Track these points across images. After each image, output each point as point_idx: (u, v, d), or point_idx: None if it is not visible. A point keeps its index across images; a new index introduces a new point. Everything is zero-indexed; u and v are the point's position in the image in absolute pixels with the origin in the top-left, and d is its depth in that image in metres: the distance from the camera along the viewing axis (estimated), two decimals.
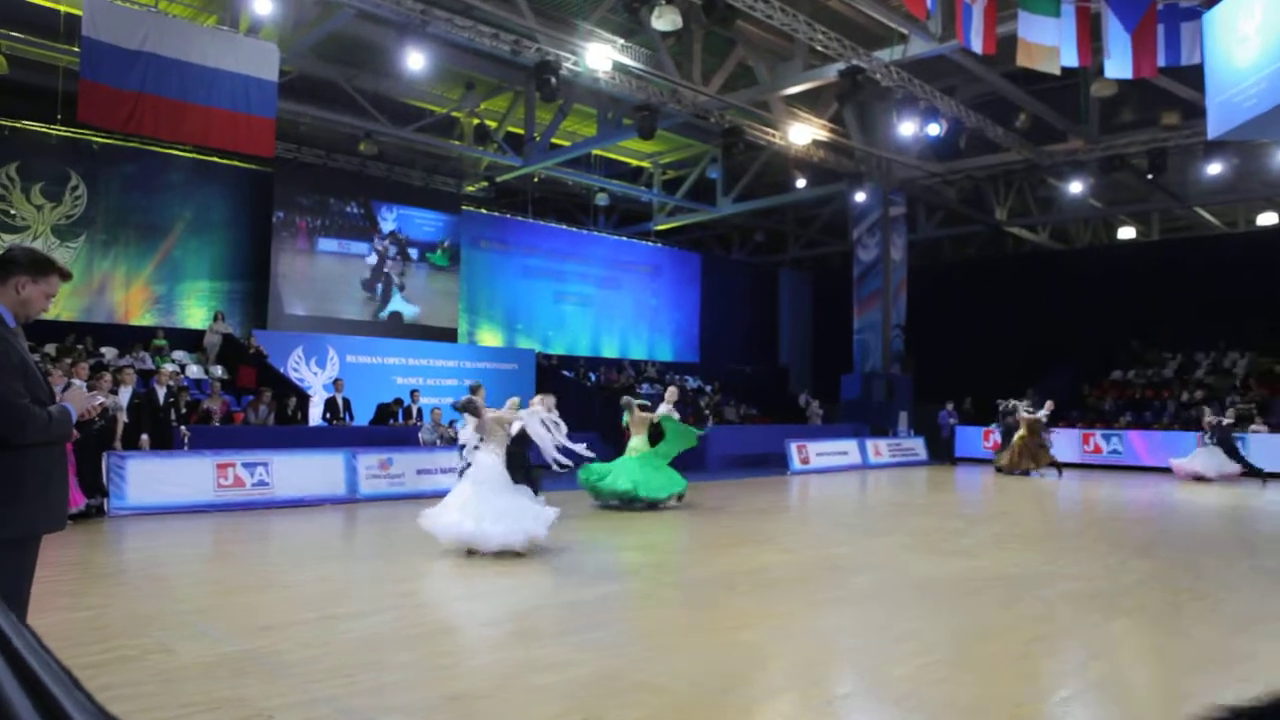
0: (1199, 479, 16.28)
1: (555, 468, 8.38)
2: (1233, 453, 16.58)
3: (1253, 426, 18.09)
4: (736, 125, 17.60)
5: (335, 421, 15.39)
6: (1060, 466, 17.61)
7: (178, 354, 15.90)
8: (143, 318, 17.33)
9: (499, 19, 13.82)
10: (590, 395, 21.61)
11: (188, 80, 12.21)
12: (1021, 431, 17.52)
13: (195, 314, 17.97)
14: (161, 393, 11.58)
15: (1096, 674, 4.49)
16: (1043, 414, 17.54)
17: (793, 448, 18.00)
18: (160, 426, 11.31)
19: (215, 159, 18.08)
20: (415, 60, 15.08)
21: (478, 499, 7.49)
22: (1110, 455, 19.78)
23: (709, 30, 15.35)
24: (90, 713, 1.14)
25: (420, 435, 13.97)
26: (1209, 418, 17.02)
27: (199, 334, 16.75)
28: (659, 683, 4.17)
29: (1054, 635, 5.21)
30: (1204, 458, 16.69)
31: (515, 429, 8.24)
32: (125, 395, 10.86)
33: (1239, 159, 19.39)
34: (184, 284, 18.02)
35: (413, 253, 20.80)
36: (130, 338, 15.66)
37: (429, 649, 4.76)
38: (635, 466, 11.31)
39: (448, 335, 21.07)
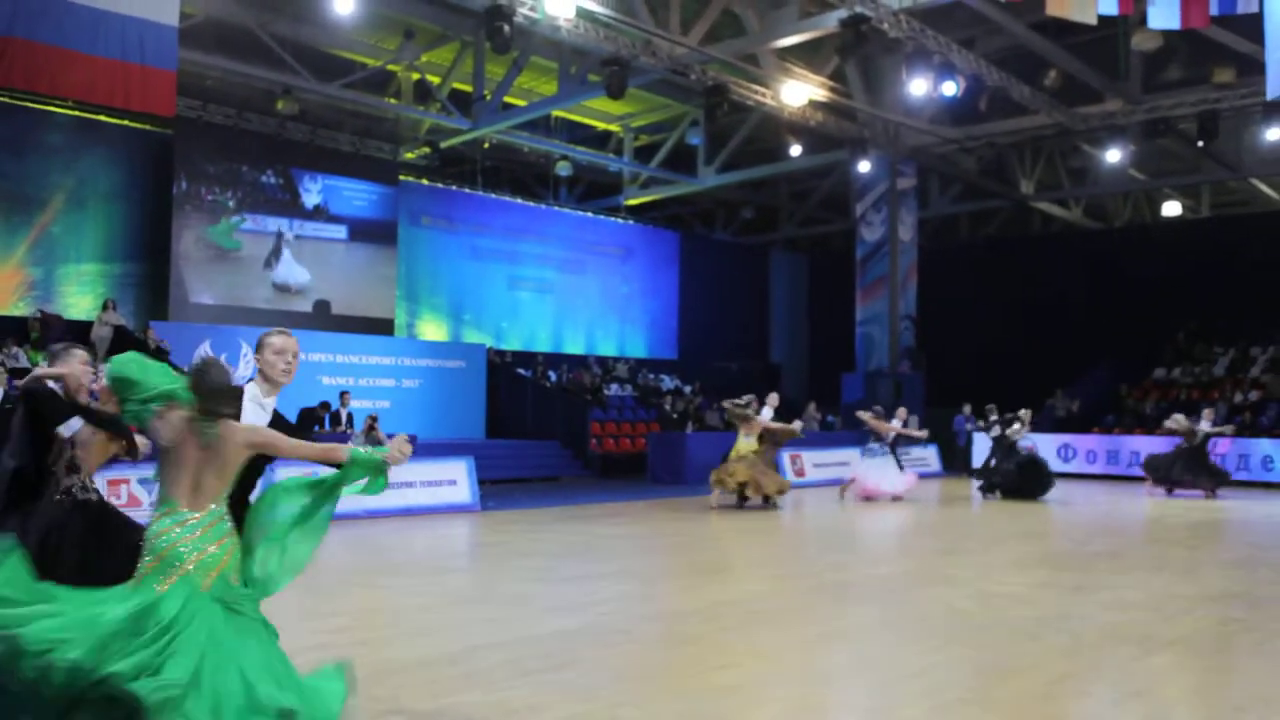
0: (869, 497, 15.27)
1: None
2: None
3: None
4: (721, 83, 17.65)
5: None
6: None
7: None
8: (15, 306, 17.09)
9: None
10: (550, 398, 21.63)
11: (69, 22, 12.02)
12: (746, 442, 13.81)
13: (79, 303, 17.73)
14: None
15: (1134, 716, 4.60)
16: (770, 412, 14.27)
17: (785, 458, 18.12)
18: None
19: (103, 117, 17.85)
20: (344, 2, 15.00)
21: None
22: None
23: None
24: None
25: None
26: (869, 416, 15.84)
27: (85, 326, 16.52)
28: None
29: (1085, 671, 5.31)
30: (873, 468, 15.49)
31: None
32: None
33: None
34: (65, 267, 17.78)
35: (340, 230, 20.66)
36: None
37: (364, 694, 4.76)
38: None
39: (383, 327, 20.97)
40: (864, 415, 15.91)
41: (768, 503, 13.92)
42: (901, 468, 15.71)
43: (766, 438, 13.90)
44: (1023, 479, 15.60)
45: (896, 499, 15.19)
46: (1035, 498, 15.44)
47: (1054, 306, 25.72)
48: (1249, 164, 22.35)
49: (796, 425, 14.40)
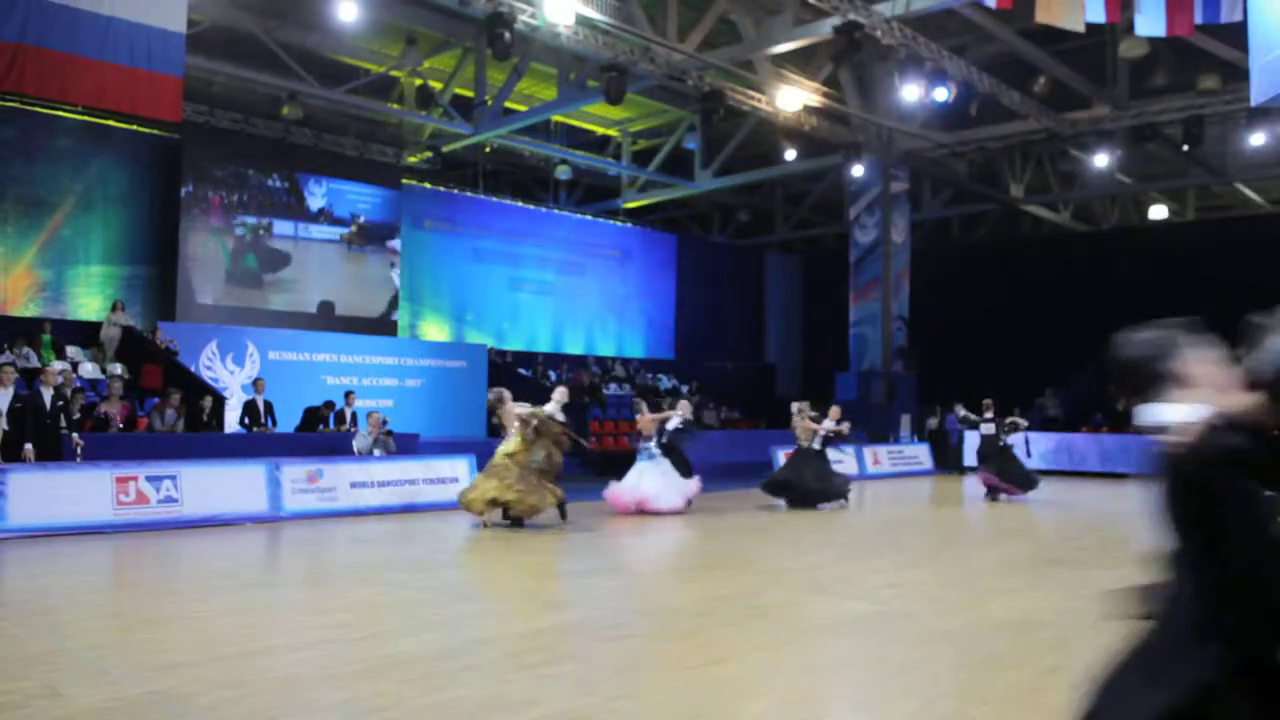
0: (644, 512, 12.19)
1: None
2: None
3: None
4: (717, 88, 17.64)
5: (255, 428, 15.24)
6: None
7: (69, 350, 15.67)
8: (26, 308, 17.06)
9: None
10: (550, 397, 21.58)
11: (78, 30, 12.01)
12: (512, 444, 10.88)
13: (89, 303, 17.71)
14: (48, 395, 11.41)
15: None
16: (552, 407, 11.32)
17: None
18: (47, 434, 11.13)
19: (111, 122, 17.83)
20: (348, 10, 14.99)
21: None
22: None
23: None
24: None
25: (354, 443, 13.89)
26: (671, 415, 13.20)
27: (94, 326, 16.50)
28: None
29: (1073, 665, 5.29)
30: (648, 477, 12.54)
31: None
32: (5, 398, 10.69)
33: None
34: (75, 268, 17.76)
35: (344, 232, 20.65)
36: (11, 330, 15.40)
37: (365, 689, 4.75)
38: None
39: (386, 328, 20.94)
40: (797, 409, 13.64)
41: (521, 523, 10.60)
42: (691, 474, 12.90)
43: (532, 436, 10.73)
44: (811, 486, 13.77)
45: (676, 513, 12.24)
46: (814, 505, 13.58)
47: (1043, 307, 25.70)
48: (1233, 168, 22.38)
49: (548, 408, 11.12)
